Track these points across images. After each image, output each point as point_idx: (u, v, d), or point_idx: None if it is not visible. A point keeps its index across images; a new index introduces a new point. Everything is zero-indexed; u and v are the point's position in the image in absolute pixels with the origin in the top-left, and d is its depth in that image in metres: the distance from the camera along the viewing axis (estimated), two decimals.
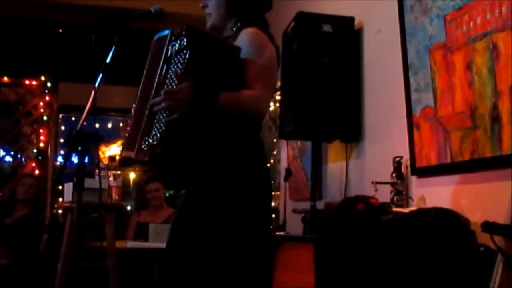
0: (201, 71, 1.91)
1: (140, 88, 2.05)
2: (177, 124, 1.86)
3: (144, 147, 1.88)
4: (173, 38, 1.94)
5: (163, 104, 1.86)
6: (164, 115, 1.87)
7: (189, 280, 1.97)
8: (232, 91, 1.93)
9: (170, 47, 1.93)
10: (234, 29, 2.14)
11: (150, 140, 1.87)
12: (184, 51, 1.89)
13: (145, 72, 2.05)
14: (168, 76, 1.90)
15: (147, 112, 1.93)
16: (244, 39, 2.04)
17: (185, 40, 1.90)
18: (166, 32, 1.99)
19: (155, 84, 1.94)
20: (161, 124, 1.87)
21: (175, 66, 1.90)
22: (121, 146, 2.13)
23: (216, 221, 1.95)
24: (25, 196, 4.98)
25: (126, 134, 2.21)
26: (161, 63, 1.94)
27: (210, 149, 1.95)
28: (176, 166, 1.97)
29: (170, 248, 2.08)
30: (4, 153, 6.02)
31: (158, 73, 1.94)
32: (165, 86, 1.89)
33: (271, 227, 2.51)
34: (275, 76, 2.10)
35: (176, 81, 1.88)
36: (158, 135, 1.86)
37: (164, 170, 2.06)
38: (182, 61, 1.89)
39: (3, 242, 4.69)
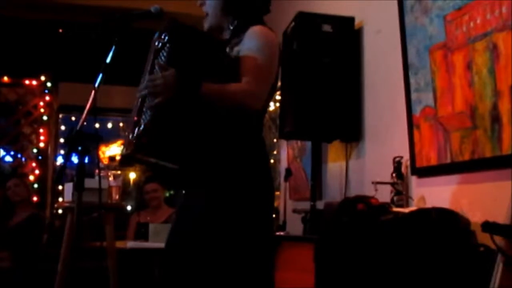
0: (183, 62, 1.94)
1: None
2: (162, 113, 1.89)
3: (133, 139, 1.90)
4: (159, 35, 1.99)
5: (146, 90, 1.90)
6: (148, 107, 1.91)
7: (189, 279, 1.97)
8: (220, 84, 1.94)
9: (157, 43, 1.98)
10: (231, 27, 2.14)
11: (136, 131, 1.89)
12: (167, 45, 1.94)
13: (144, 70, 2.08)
14: (155, 70, 1.94)
15: (138, 106, 1.96)
16: (250, 35, 2.04)
17: (167, 34, 1.95)
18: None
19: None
20: (147, 115, 1.90)
21: (159, 60, 1.95)
22: (122, 146, 2.14)
23: (216, 220, 1.95)
24: (18, 197, 4.96)
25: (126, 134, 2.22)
26: (151, 59, 2.00)
27: (207, 145, 1.96)
28: (164, 157, 1.98)
29: (170, 247, 2.08)
30: (4, 153, 6.02)
31: (148, 69, 2.00)
32: None
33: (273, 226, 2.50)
34: (273, 74, 2.09)
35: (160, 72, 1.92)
36: (143, 125, 1.88)
37: (152, 160, 2.06)
38: (165, 54, 1.94)
39: (5, 245, 4.67)
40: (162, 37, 1.97)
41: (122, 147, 2.16)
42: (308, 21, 3.46)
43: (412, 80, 2.81)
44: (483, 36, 2.31)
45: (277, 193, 4.75)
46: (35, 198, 5.51)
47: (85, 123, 1.96)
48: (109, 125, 7.03)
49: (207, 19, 2.19)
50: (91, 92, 1.98)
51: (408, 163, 2.82)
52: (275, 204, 4.82)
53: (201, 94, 1.89)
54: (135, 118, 1.97)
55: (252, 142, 2.05)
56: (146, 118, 1.91)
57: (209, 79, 1.92)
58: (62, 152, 6.39)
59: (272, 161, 5.32)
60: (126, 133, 2.11)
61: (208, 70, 1.97)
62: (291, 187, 4.50)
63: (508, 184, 2.00)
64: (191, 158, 1.98)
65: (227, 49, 2.08)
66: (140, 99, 1.97)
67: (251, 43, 2.02)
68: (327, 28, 3.44)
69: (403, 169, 2.81)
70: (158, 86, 1.87)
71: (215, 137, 1.96)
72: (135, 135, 1.91)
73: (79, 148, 1.89)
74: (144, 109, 1.93)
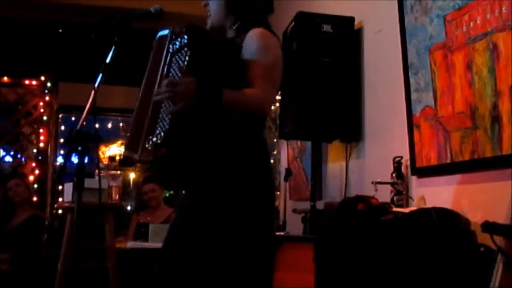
0: (203, 68, 1.90)
1: (141, 87, 2.05)
2: (181, 122, 1.85)
3: (148, 146, 1.87)
4: (173, 37, 1.95)
5: (166, 94, 1.84)
6: (168, 113, 1.87)
7: (188, 279, 1.97)
8: (234, 89, 1.93)
9: (171, 46, 1.94)
10: (234, 27, 2.14)
11: (154, 139, 1.86)
12: (185, 49, 1.89)
13: (146, 71, 2.05)
14: (170, 74, 1.91)
15: (150, 111, 1.92)
16: (251, 38, 2.03)
17: (186, 38, 1.90)
18: (167, 31, 2.00)
19: (157, 83, 1.94)
20: (165, 123, 1.86)
21: (177, 64, 1.90)
22: (123, 146, 2.13)
23: (216, 221, 1.95)
24: (19, 197, 4.94)
25: (128, 134, 2.20)
26: (163, 62, 1.95)
27: (214, 149, 1.95)
28: (179, 166, 1.96)
29: (168, 248, 2.07)
30: (4, 153, 6.01)
31: (160, 72, 1.95)
32: None
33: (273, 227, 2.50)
34: (279, 76, 2.09)
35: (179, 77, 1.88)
36: (162, 133, 1.85)
37: (166, 171, 2.05)
38: (183, 59, 1.89)
39: (6, 246, 4.65)
40: (178, 40, 1.91)
41: (124, 146, 2.15)
42: (308, 21, 3.46)
43: (412, 80, 2.81)
44: (483, 36, 2.31)
45: (277, 193, 4.76)
46: (35, 198, 5.50)
47: (85, 123, 1.95)
48: (109, 125, 7.04)
49: (209, 18, 2.18)
50: (91, 92, 1.98)
51: (408, 163, 2.82)
52: (275, 204, 4.83)
53: (222, 103, 1.87)
54: (146, 123, 1.92)
55: (254, 143, 2.05)
56: (165, 126, 1.86)
57: (225, 85, 1.90)
58: (62, 152, 6.39)
59: (272, 161, 5.33)
60: (129, 133, 2.09)
61: (226, 76, 1.95)
62: (291, 187, 4.50)
63: (508, 184, 2.00)
64: (193, 159, 1.97)
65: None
66: (153, 104, 1.91)
67: (254, 47, 2.00)
68: (327, 28, 3.44)
69: (403, 169, 2.81)
70: (179, 92, 1.82)
71: (217, 137, 1.96)
72: (151, 143, 1.86)
73: (79, 148, 1.88)
74: (161, 115, 1.88)
